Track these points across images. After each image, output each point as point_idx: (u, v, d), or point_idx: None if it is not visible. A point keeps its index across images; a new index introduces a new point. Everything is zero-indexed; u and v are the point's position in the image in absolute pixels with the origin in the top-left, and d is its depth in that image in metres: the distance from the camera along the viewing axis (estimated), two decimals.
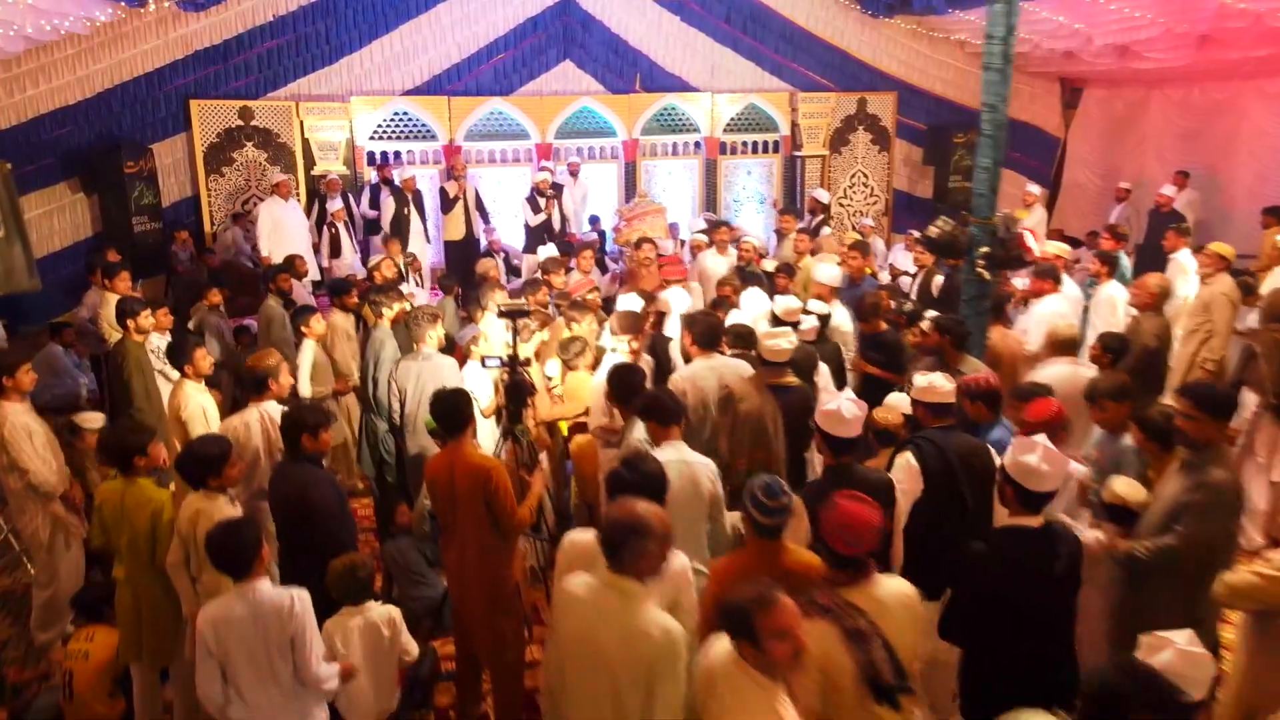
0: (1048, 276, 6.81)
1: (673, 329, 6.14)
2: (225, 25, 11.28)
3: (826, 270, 6.88)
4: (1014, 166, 15.08)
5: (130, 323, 5.68)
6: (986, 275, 5.41)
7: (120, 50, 10.81)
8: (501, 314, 4.19)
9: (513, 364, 4.23)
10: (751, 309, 6.44)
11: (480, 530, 3.77)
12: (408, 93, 12.15)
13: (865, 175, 14.18)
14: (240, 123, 11.49)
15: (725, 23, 13.24)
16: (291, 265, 7.87)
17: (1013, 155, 14.95)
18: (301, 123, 11.63)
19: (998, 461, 3.61)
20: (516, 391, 4.17)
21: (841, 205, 14.02)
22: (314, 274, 10.47)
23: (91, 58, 10.58)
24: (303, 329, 6.29)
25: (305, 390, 5.77)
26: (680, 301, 6.22)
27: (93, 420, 5.65)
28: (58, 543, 4.75)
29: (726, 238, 8.45)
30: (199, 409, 4.97)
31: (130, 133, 11.01)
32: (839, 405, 3.74)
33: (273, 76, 11.67)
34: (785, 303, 5.96)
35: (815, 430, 3.88)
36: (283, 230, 10.08)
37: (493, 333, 5.95)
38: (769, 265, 8.05)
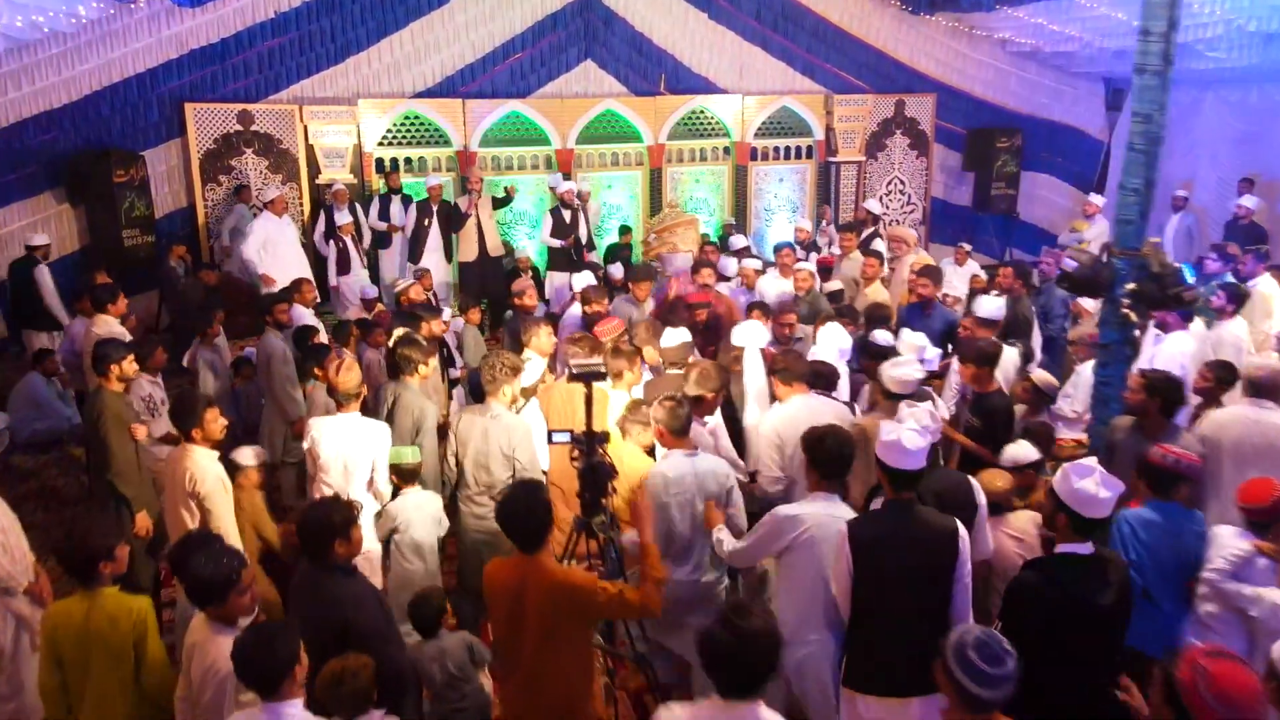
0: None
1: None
2: (223, 23, 10.47)
3: (990, 303, 6.12)
4: (1055, 172, 14.37)
5: (111, 369, 4.85)
6: (1133, 316, 4.60)
7: (109, 50, 10.02)
8: (574, 377, 3.37)
9: (589, 442, 3.39)
10: (830, 345, 5.61)
11: (560, 662, 2.97)
12: (419, 95, 11.34)
13: (903, 182, 13.39)
14: (239, 128, 10.66)
15: (755, 20, 12.45)
16: (297, 290, 7.00)
17: (1053, 159, 14.24)
18: (305, 128, 10.81)
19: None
20: (594, 477, 3.34)
21: (855, 211, 13.21)
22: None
23: (78, 58, 9.81)
24: (317, 372, 5.48)
25: (246, 458, 4.96)
26: (755, 336, 5.42)
27: (251, 456, 4.84)
28: (22, 646, 3.92)
29: (789, 260, 7.60)
30: (218, 483, 4.16)
31: (120, 139, 10.20)
32: (899, 435, 3.34)
33: (274, 78, 10.85)
34: (912, 339, 5.39)
35: (880, 465, 3.44)
36: (274, 249, 9.19)
37: (530, 374, 5.14)
38: (831, 286, 7.25)
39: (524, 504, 3.03)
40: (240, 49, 10.64)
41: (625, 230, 11.06)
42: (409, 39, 11.22)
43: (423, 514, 4.57)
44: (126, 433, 4.90)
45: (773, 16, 12.49)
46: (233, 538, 4.16)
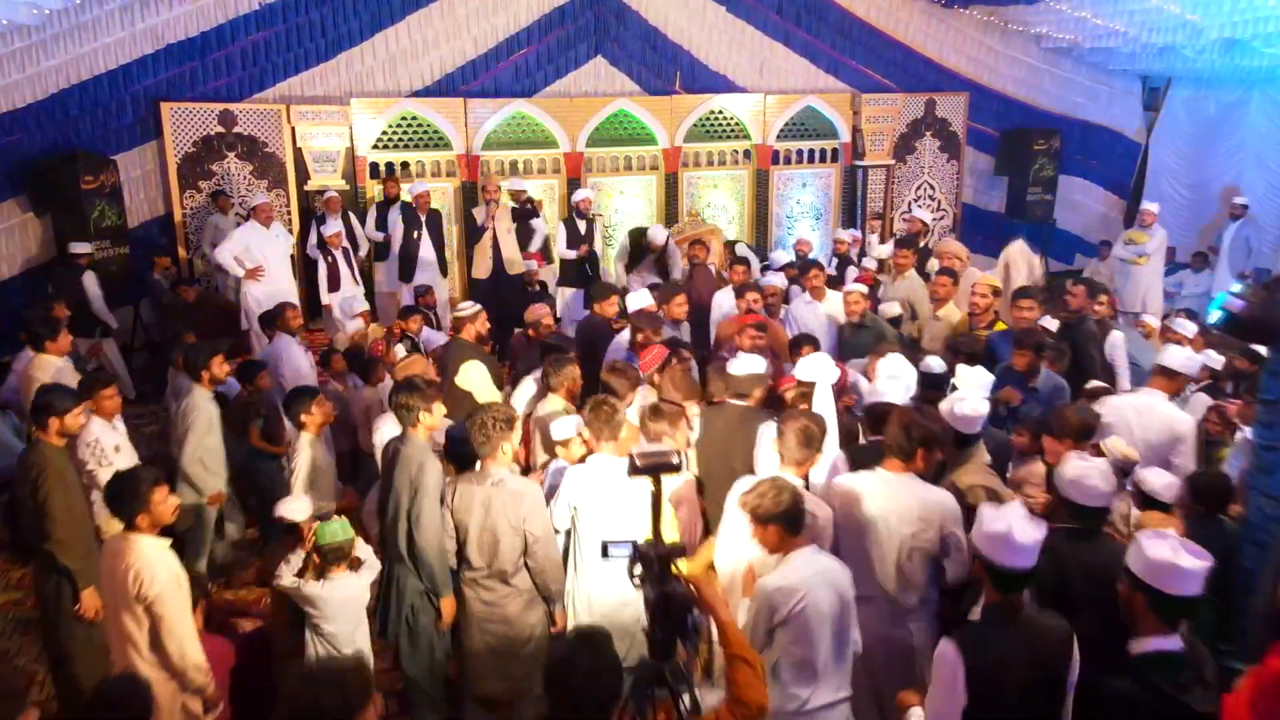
0: None
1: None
2: (203, 15, 9.61)
3: (1178, 355, 5.15)
4: (1090, 175, 13.60)
5: (52, 422, 3.98)
6: None
7: (77, 44, 9.16)
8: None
9: (660, 561, 2.46)
10: (894, 382, 4.75)
11: None
12: (416, 94, 10.48)
13: (932, 186, 12.56)
14: (220, 129, 9.79)
15: (777, 14, 11.63)
16: (280, 316, 6.09)
17: (1088, 163, 13.45)
18: (293, 129, 9.94)
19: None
20: (668, 610, 2.40)
21: (906, 222, 12.37)
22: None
23: (43, 53, 8.94)
24: (302, 417, 4.61)
25: (302, 512, 4.06)
26: (826, 371, 4.55)
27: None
28: None
29: (819, 281, 6.74)
30: (171, 581, 3.31)
31: (89, 141, 9.33)
32: (1009, 526, 2.77)
33: (259, 75, 9.99)
34: (974, 377, 4.48)
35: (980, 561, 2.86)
36: (255, 263, 8.27)
37: (558, 430, 4.28)
38: (890, 310, 6.39)
39: (586, 670, 2.17)
40: (222, 44, 9.77)
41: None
42: (405, 33, 10.36)
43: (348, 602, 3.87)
44: (70, 494, 4.04)
45: (795, 10, 11.66)
46: (190, 647, 3.31)
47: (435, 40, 10.49)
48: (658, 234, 8.95)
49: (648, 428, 4.05)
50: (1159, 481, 3.97)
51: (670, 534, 3.13)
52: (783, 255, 8.71)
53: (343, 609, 3.87)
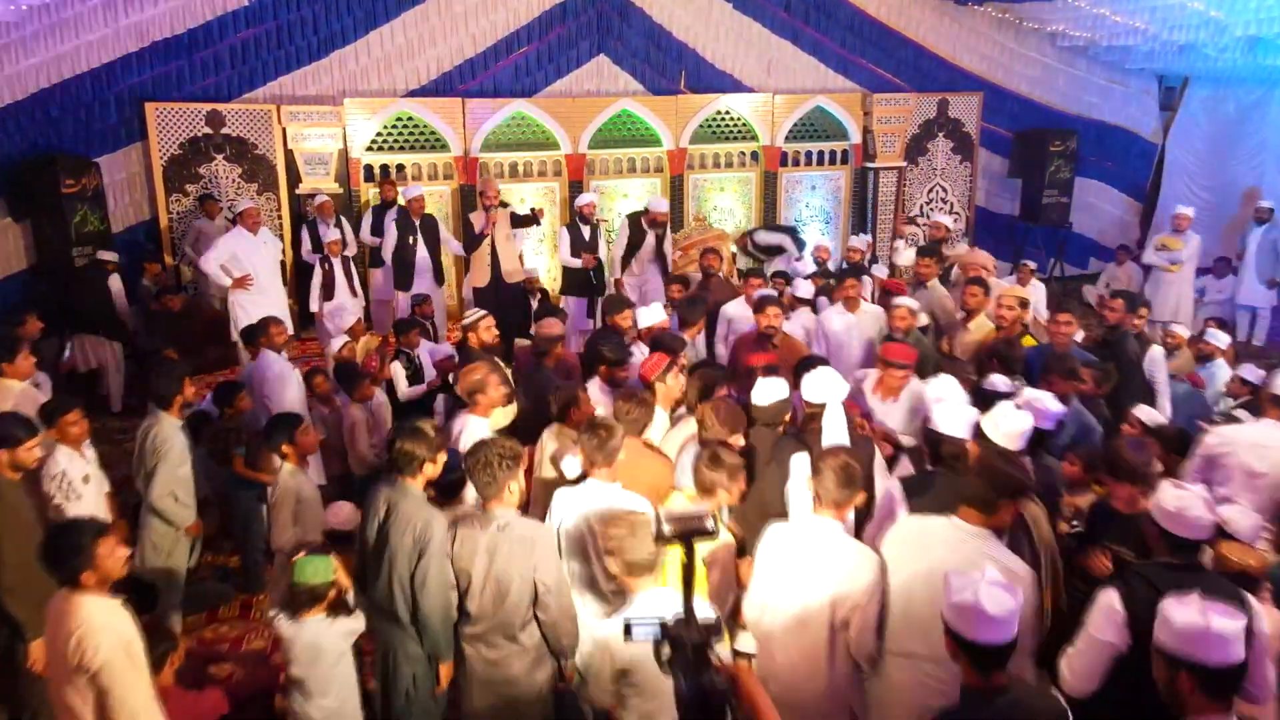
0: None
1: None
2: (190, 11, 9.21)
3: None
4: (1105, 178, 13.24)
5: (2, 455, 3.60)
6: None
7: (58, 42, 8.78)
8: (665, 538, 2.09)
9: (696, 652, 2.06)
10: (953, 410, 4.29)
11: None
12: (412, 94, 10.09)
13: (945, 189, 12.19)
14: (208, 131, 9.40)
15: (785, 11, 11.24)
16: (264, 332, 5.67)
17: (1104, 164, 13.08)
18: (284, 131, 9.54)
19: None
20: (703, 705, 2.00)
21: (919, 226, 12.01)
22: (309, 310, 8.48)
23: (22, 51, 8.54)
24: (284, 447, 4.22)
25: (350, 521, 3.72)
26: (834, 388, 4.16)
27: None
28: None
29: (854, 292, 6.31)
30: (119, 648, 2.90)
31: (71, 143, 8.94)
32: (977, 595, 2.51)
33: (248, 74, 9.59)
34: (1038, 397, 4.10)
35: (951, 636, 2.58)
36: (243, 271, 7.82)
37: (570, 468, 3.90)
38: (919, 321, 5.98)
39: None
40: (209, 41, 9.38)
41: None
42: (401, 30, 9.97)
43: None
44: (22, 534, 3.66)
45: (804, 8, 11.29)
46: None
47: (432, 38, 10.10)
48: (659, 204, 8.64)
49: (702, 476, 3.56)
50: (1245, 523, 3.59)
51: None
52: (803, 266, 8.25)
53: (310, 655, 3.50)
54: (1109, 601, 2.97)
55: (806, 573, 3.19)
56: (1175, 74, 13.01)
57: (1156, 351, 5.94)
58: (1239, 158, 12.87)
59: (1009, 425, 3.78)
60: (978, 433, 3.82)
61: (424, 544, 3.33)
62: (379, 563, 3.44)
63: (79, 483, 4.37)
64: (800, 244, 10.69)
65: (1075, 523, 4.02)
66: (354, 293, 8.48)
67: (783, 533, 3.34)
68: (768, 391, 4.26)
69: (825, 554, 3.20)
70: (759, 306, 5.71)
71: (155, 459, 4.51)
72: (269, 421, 4.41)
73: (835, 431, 4.15)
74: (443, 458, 3.51)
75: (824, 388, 4.24)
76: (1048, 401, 4.19)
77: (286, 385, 5.54)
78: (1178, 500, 3.01)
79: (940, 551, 3.09)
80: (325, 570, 3.47)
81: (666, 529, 2.15)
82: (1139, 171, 13.46)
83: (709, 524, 2.17)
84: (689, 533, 2.15)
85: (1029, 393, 4.27)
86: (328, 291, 8.33)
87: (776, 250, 10.36)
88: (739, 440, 4.09)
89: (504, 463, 3.29)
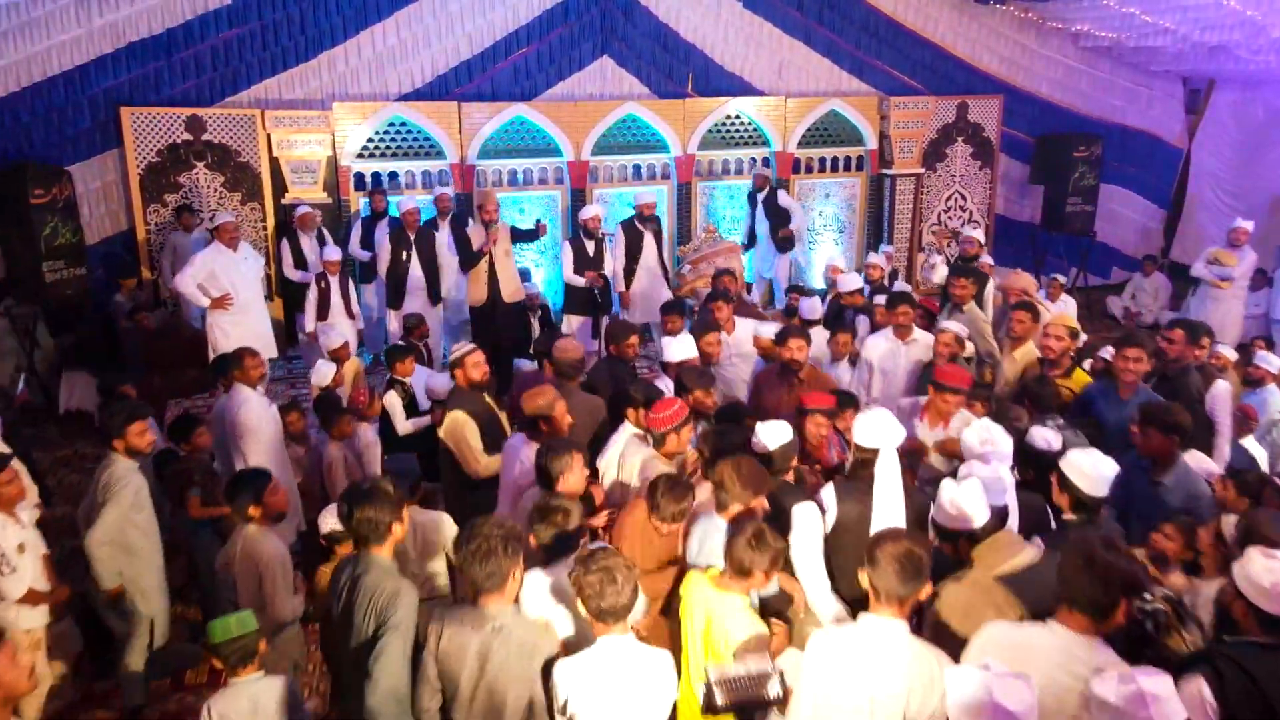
0: None
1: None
2: (169, 10, 8.69)
3: None
4: (1128, 184, 12.72)
5: None
6: None
7: (28, 43, 8.30)
8: (716, 708, 1.55)
9: None
10: (992, 459, 3.80)
11: None
12: (405, 97, 9.54)
13: (963, 196, 11.65)
14: (188, 137, 8.85)
15: (797, 10, 10.70)
16: (238, 365, 5.10)
17: (1127, 170, 12.56)
18: (269, 137, 8.99)
19: None
20: None
21: (934, 234, 11.49)
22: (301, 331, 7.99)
23: None
24: (250, 509, 3.67)
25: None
26: (891, 432, 3.62)
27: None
28: None
29: (909, 320, 5.73)
30: None
31: (41, 150, 8.42)
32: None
33: (230, 77, 9.04)
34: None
35: None
36: (221, 291, 7.27)
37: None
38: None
39: None
40: (190, 42, 8.84)
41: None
42: (394, 30, 9.42)
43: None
44: None
45: (817, 7, 10.75)
46: None
47: (426, 38, 9.55)
48: (645, 196, 8.46)
49: (740, 556, 2.98)
50: None
51: None
52: (854, 279, 7.57)
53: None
54: (1197, 690, 2.55)
55: (869, 688, 2.63)
56: (1200, 76, 12.49)
57: (1221, 388, 5.41)
58: (1268, 164, 12.33)
59: (1091, 469, 3.43)
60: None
61: (387, 616, 2.84)
62: (341, 641, 2.93)
63: (13, 553, 3.85)
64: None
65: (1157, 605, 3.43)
66: (350, 315, 7.96)
67: (834, 641, 2.76)
68: (772, 435, 3.78)
69: (891, 662, 2.65)
70: (780, 338, 5.17)
71: (104, 499, 4.04)
72: (231, 479, 3.87)
73: (889, 483, 3.61)
74: (406, 520, 3.05)
75: (878, 431, 3.70)
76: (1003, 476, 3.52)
77: (260, 425, 4.99)
78: (1271, 573, 2.63)
79: (1046, 669, 2.55)
80: (245, 620, 3.07)
81: (720, 699, 1.61)
82: (1163, 177, 12.94)
83: (773, 690, 1.64)
84: (748, 703, 1.62)
85: (979, 469, 3.48)
86: (322, 311, 7.80)
87: (785, 217, 9.69)
88: (762, 503, 3.56)
89: (508, 547, 2.76)
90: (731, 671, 1.69)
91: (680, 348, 5.06)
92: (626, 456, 4.26)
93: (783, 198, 9.66)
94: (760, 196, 9.55)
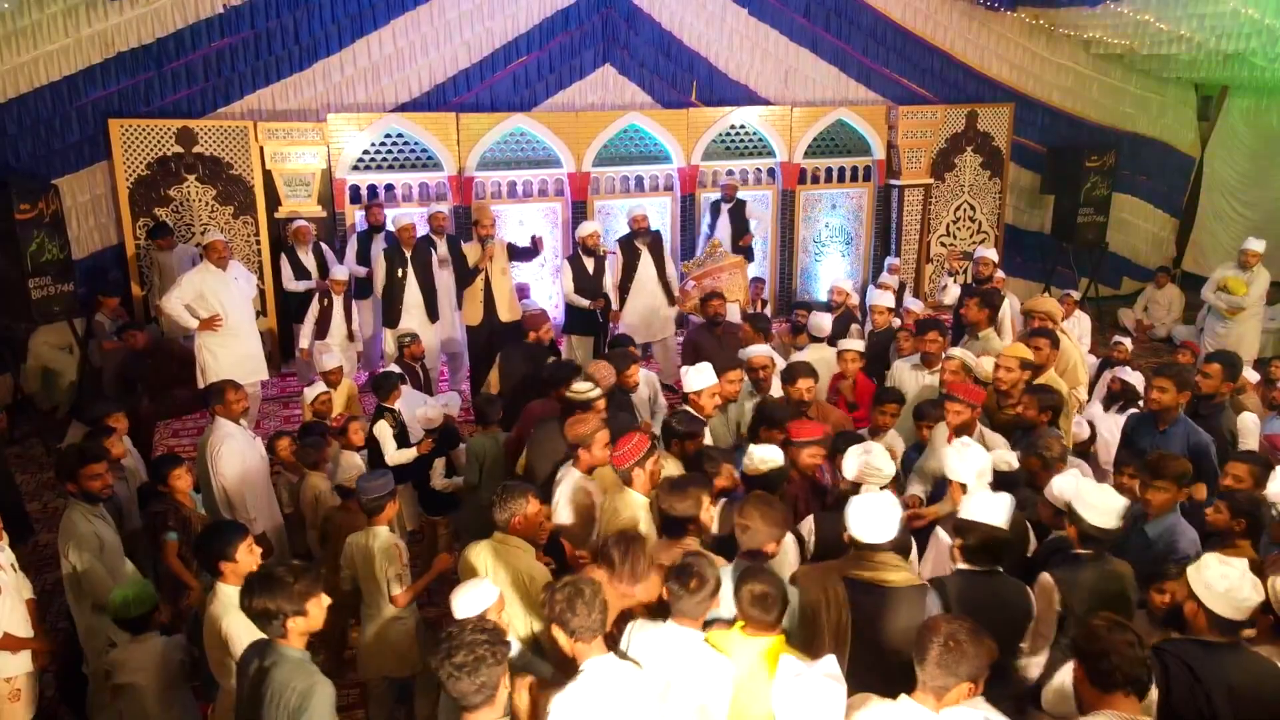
0: None
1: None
2: (159, 19, 8.45)
3: None
4: (1140, 193, 12.50)
5: None
6: None
7: (14, 53, 8.10)
8: None
9: None
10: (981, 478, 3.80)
11: None
12: (402, 108, 9.31)
13: (973, 207, 11.42)
14: (179, 149, 8.62)
15: (804, 17, 10.46)
16: (220, 400, 4.86)
17: (1138, 179, 12.33)
18: (262, 149, 8.77)
19: None
20: None
21: (943, 245, 11.26)
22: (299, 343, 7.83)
23: None
24: (222, 565, 3.44)
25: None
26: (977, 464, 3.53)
27: None
28: None
29: (938, 348, 5.51)
30: None
31: (28, 163, 8.21)
32: None
33: (223, 87, 8.81)
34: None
35: None
36: (210, 311, 6.99)
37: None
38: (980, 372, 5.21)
39: None
40: (181, 52, 8.60)
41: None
42: (390, 39, 9.18)
43: None
44: None
45: (824, 13, 10.51)
46: None
47: (423, 47, 9.32)
48: (637, 209, 8.42)
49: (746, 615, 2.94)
50: None
51: None
52: (885, 294, 7.27)
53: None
54: None
55: None
56: (1213, 83, 12.26)
57: (1249, 420, 5.20)
58: None
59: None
60: None
61: (300, 718, 2.60)
62: None
63: None
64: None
65: None
66: (350, 336, 7.75)
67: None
68: (760, 457, 3.90)
69: None
70: (789, 377, 4.96)
71: (63, 551, 3.89)
72: (203, 533, 3.65)
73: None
74: (317, 606, 2.79)
75: (968, 462, 3.90)
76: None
77: (243, 463, 4.76)
78: (1226, 579, 2.83)
79: None
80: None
81: None
82: (1175, 186, 12.72)
83: None
84: None
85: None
86: (321, 330, 7.59)
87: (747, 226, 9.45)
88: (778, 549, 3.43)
89: (494, 653, 2.49)
90: None
91: (699, 377, 4.87)
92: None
93: (750, 209, 9.41)
94: (727, 206, 9.25)
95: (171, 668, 3.86)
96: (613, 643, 3.05)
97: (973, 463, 3.89)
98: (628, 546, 3.19)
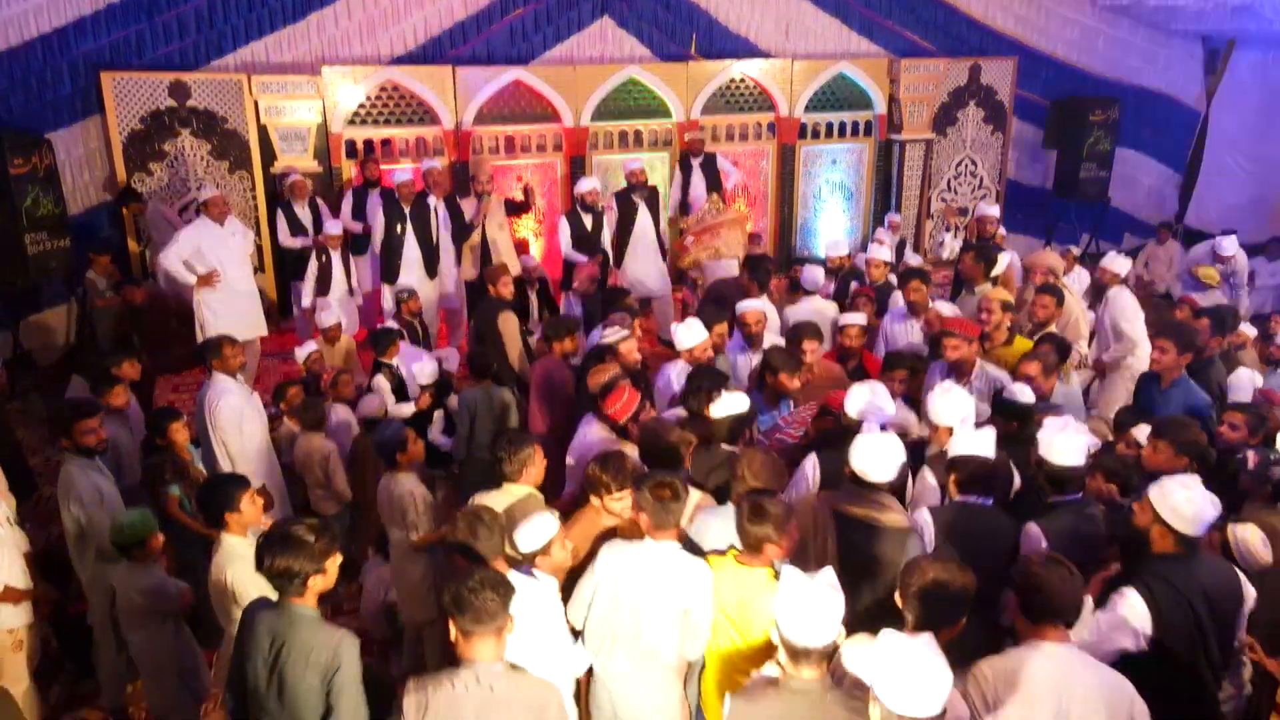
0: None
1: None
2: None
3: None
4: (1143, 148, 12.35)
5: None
6: None
7: (3, 5, 7.95)
8: None
9: None
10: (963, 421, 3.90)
11: None
12: (398, 61, 9.19)
13: (974, 162, 11.32)
14: (172, 103, 8.53)
15: None
16: (217, 354, 4.88)
17: (1142, 133, 12.20)
18: (256, 103, 8.67)
19: None
20: None
21: (944, 201, 11.18)
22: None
23: None
24: (227, 516, 3.48)
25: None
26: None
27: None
28: None
29: (922, 296, 5.54)
30: None
31: (20, 118, 8.10)
32: None
33: (216, 39, 8.68)
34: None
35: None
36: (208, 267, 6.96)
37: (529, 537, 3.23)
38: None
39: None
40: (172, 3, 8.46)
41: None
42: None
43: None
44: None
45: None
46: None
47: None
48: (633, 162, 8.41)
49: (747, 533, 3.06)
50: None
51: None
52: (881, 250, 7.20)
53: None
54: (1132, 604, 2.96)
55: None
56: (1220, 35, 12.07)
57: (1242, 376, 5.21)
58: None
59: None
60: None
61: (333, 674, 2.65)
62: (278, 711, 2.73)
63: None
64: None
65: None
66: (350, 290, 7.74)
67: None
68: (724, 405, 3.97)
69: None
70: (794, 337, 4.98)
71: (63, 504, 3.98)
72: (204, 485, 3.68)
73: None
74: (336, 562, 2.82)
75: (863, 405, 3.93)
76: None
77: (241, 419, 4.79)
78: (1190, 502, 3.01)
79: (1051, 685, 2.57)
80: (140, 520, 3.71)
81: None
82: (1179, 140, 12.57)
83: None
84: None
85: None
86: (323, 287, 7.57)
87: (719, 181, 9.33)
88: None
89: (491, 603, 2.55)
90: None
91: (689, 333, 4.92)
92: None
93: (721, 162, 9.28)
94: (697, 161, 9.11)
95: (170, 598, 3.88)
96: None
97: (957, 408, 3.95)
98: (607, 459, 3.41)
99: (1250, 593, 3.15)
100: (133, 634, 3.87)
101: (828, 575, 2.53)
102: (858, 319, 5.52)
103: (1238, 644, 3.20)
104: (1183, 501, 3.01)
